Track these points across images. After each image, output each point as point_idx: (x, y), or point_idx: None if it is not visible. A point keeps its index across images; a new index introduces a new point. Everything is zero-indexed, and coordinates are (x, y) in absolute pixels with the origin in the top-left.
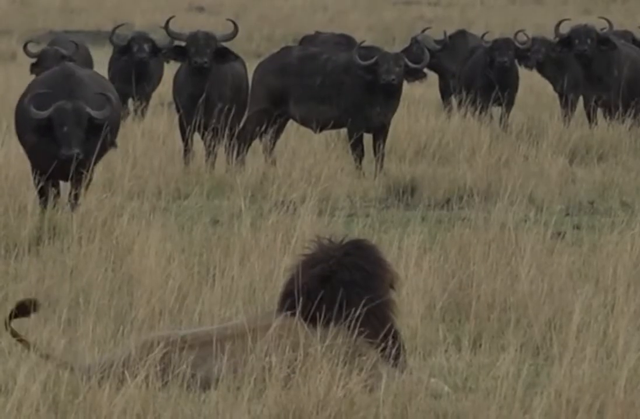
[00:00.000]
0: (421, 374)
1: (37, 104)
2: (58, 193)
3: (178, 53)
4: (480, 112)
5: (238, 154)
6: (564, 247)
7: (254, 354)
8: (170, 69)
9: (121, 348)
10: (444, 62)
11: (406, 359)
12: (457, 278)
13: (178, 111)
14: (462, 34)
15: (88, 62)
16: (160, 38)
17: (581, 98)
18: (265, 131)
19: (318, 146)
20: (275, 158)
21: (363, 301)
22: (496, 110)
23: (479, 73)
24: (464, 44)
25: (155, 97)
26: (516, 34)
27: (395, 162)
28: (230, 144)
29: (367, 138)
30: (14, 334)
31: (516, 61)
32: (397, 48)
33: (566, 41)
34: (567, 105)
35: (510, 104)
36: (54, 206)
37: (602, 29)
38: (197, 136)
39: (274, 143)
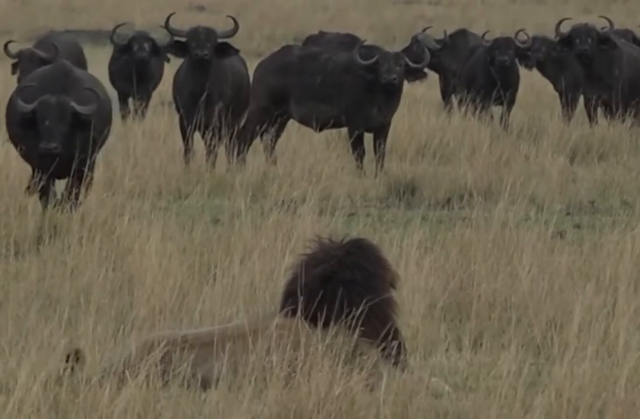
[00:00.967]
0: (422, 373)
1: (26, 98)
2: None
3: (179, 48)
4: (481, 112)
5: (239, 153)
6: (565, 246)
7: (254, 353)
8: (171, 68)
9: (122, 348)
10: (445, 62)
11: (407, 358)
12: (457, 278)
13: (178, 110)
14: (462, 33)
15: (81, 63)
16: (160, 37)
17: (582, 97)
18: (266, 130)
19: (319, 145)
20: (275, 157)
21: (364, 301)
22: (497, 110)
23: (480, 72)
24: (464, 43)
25: (155, 96)
26: (517, 33)
27: (396, 161)
28: (230, 143)
29: (368, 137)
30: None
31: (517, 60)
32: (397, 47)
33: (567, 40)
34: (568, 104)
35: (510, 103)
36: (55, 205)
37: (602, 28)
38: (197, 135)
39: (275, 143)
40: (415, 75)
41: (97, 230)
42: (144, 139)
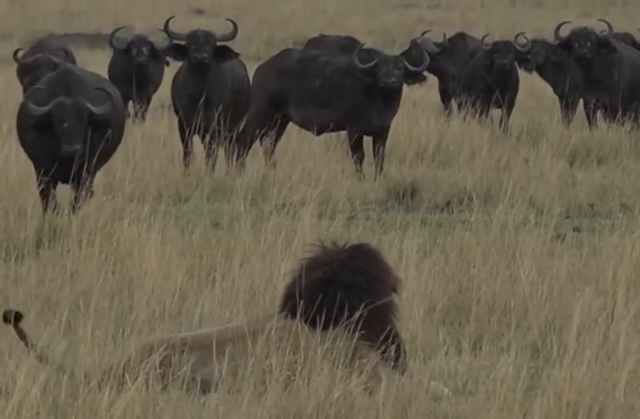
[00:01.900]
0: (421, 377)
1: (36, 101)
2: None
3: (178, 51)
4: (480, 115)
5: (238, 157)
6: (564, 250)
7: (254, 357)
8: (170, 72)
9: (121, 351)
10: (444, 65)
11: (406, 361)
12: (457, 281)
13: (177, 113)
14: (461, 36)
15: None
16: (159, 40)
17: (581, 101)
18: (266, 134)
19: (318, 149)
20: (275, 160)
21: (364, 304)
22: (496, 113)
23: (479, 76)
24: (463, 46)
25: (155, 99)
26: (516, 36)
27: (395, 165)
28: (230, 147)
29: (367, 141)
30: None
31: (516, 64)
32: (396, 51)
33: (566, 44)
34: (567, 107)
35: (510, 107)
36: (54, 209)
37: (602, 32)
38: (197, 139)
39: (274, 146)
40: (415, 78)
41: (96, 234)
42: (143, 143)
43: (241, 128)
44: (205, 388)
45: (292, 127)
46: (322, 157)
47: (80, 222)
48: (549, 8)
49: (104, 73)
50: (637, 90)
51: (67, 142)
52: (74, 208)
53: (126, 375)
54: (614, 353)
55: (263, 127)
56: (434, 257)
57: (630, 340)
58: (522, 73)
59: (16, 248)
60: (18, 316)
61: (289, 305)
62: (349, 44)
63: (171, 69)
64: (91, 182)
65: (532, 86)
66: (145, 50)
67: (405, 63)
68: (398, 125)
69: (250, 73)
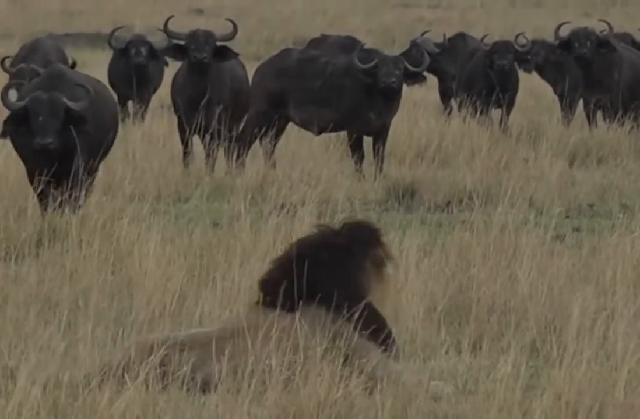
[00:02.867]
0: (421, 376)
1: (20, 97)
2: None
3: (177, 51)
4: (480, 115)
5: (238, 157)
6: (564, 250)
7: (254, 356)
8: (170, 72)
9: (121, 351)
10: (444, 65)
11: (399, 350)
12: (457, 281)
13: (176, 113)
14: (461, 36)
15: None
16: (159, 40)
17: (581, 101)
18: (265, 134)
19: (318, 149)
20: (275, 160)
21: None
22: (496, 113)
23: (479, 76)
24: (463, 46)
25: (154, 99)
26: (516, 36)
27: (395, 165)
28: (230, 147)
29: (367, 140)
30: None
31: (516, 64)
32: (396, 51)
33: (566, 44)
34: (567, 107)
35: (510, 107)
36: (54, 209)
37: (601, 32)
38: (196, 139)
39: (274, 146)
40: (415, 78)
41: (96, 234)
42: (143, 143)
43: (241, 128)
44: (205, 388)
45: (291, 127)
46: (322, 157)
47: (80, 222)
48: (549, 8)
49: (104, 73)
50: (637, 90)
51: (41, 135)
52: (71, 209)
53: (126, 375)
54: (614, 352)
55: (263, 127)
56: (434, 257)
57: (629, 340)
58: (521, 74)
59: (16, 248)
60: None
61: (267, 290)
62: (350, 44)
63: (171, 68)
64: (91, 182)
65: (531, 86)
66: (143, 50)
67: (405, 63)
68: (398, 125)
69: (250, 74)
